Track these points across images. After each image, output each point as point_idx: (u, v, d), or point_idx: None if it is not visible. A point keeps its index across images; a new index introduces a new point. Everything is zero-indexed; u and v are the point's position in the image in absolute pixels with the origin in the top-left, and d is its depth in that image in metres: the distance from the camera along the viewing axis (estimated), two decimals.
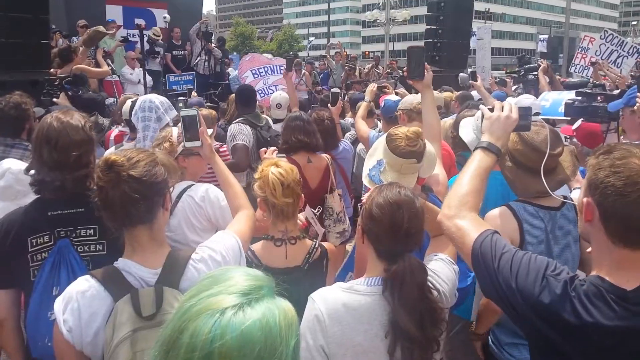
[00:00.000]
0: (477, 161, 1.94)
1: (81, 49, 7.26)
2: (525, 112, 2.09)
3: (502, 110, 2.04)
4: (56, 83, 5.17)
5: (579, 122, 4.27)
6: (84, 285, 1.77)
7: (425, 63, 3.06)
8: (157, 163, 1.85)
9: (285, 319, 1.06)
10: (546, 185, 2.09)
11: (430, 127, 3.10)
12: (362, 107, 5.14)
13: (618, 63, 9.88)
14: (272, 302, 1.07)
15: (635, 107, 3.33)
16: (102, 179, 1.77)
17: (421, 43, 12.19)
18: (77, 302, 1.74)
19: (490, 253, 1.64)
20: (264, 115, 5.72)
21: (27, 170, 2.40)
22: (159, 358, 1.04)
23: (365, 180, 2.69)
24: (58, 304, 1.77)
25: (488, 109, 2.09)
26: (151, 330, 1.66)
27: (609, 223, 1.52)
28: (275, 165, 2.49)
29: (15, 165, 3.12)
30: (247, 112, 5.33)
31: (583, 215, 1.58)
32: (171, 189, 1.93)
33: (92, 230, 2.25)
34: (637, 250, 1.52)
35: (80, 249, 2.24)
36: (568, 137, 4.48)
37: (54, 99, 5.07)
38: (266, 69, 8.55)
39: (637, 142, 3.29)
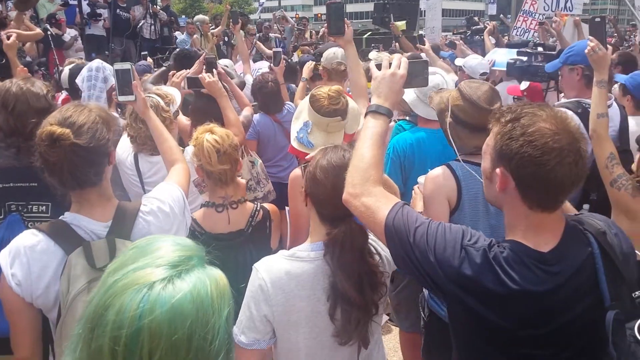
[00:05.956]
0: (371, 128, 1.83)
1: (14, 14, 6.87)
2: (418, 67, 1.99)
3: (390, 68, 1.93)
4: None
5: (527, 83, 4.38)
6: (32, 240, 1.75)
7: (345, 19, 2.98)
8: (98, 121, 1.80)
9: (217, 288, 1.03)
10: (454, 147, 2.22)
11: (355, 84, 3.06)
12: (300, 88, 5.07)
13: (569, 7, 9.17)
14: (203, 272, 1.04)
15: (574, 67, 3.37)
16: (49, 153, 1.72)
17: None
18: (27, 257, 1.73)
19: (403, 228, 1.59)
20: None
21: None
22: (84, 337, 0.98)
23: (295, 143, 2.69)
24: (4, 257, 1.74)
25: (375, 66, 1.97)
26: None
27: (527, 191, 1.50)
28: (210, 132, 2.45)
29: None
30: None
31: (496, 184, 1.56)
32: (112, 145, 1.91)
33: (44, 207, 2.21)
34: (554, 212, 1.54)
35: (31, 225, 2.17)
36: (516, 97, 4.57)
37: None
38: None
39: (567, 101, 3.38)
